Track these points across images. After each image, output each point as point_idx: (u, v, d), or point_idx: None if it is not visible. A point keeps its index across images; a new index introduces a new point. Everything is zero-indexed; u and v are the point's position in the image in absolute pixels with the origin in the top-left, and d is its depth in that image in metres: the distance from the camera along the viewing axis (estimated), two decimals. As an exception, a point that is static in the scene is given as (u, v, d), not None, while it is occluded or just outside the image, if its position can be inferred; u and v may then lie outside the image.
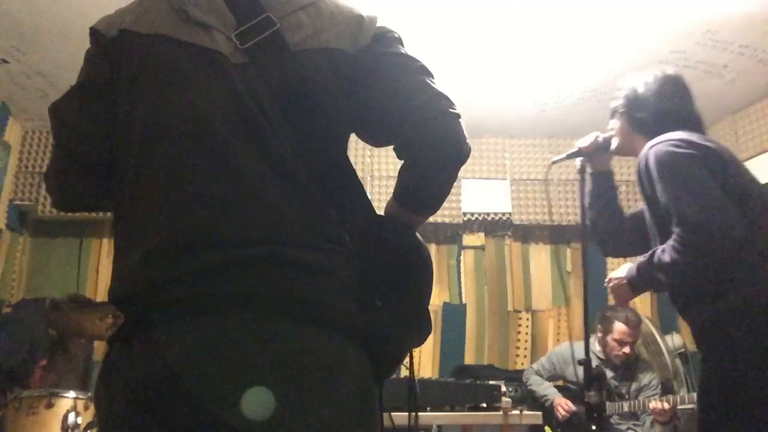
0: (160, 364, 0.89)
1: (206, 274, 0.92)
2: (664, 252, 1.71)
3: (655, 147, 1.78)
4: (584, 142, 2.16)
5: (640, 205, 2.16)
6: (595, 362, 3.59)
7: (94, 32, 1.10)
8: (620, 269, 1.92)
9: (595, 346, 3.62)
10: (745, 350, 1.62)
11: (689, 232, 1.64)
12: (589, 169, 2.20)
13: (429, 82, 1.08)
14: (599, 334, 3.61)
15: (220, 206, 0.95)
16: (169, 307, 0.92)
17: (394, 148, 1.10)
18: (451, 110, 1.05)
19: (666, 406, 3.13)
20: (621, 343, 3.50)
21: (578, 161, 2.20)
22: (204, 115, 0.99)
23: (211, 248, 0.93)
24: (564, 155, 2.25)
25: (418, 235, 1.14)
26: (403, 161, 1.10)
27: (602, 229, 2.16)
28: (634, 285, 1.85)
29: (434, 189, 1.10)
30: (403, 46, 1.13)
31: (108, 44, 1.08)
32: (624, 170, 4.41)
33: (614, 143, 2.10)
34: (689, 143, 1.76)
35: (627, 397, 3.48)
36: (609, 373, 3.54)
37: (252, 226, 0.94)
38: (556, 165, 2.52)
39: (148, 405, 0.90)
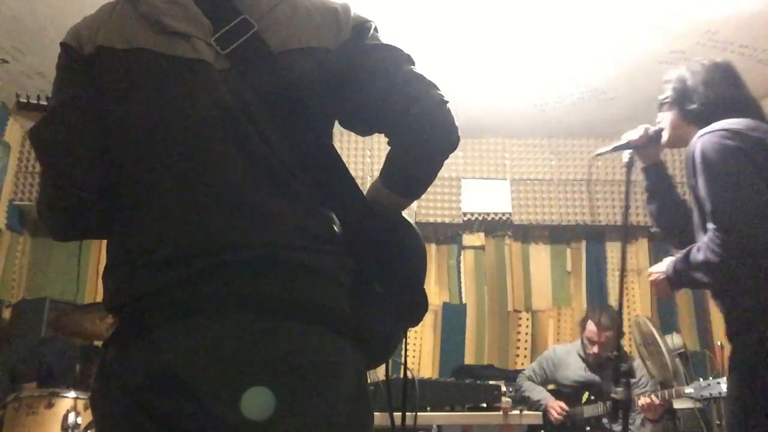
0: (158, 365, 0.90)
1: (201, 277, 0.92)
2: (699, 251, 1.68)
3: (703, 137, 1.75)
4: (633, 134, 2.10)
5: None
6: (580, 363, 3.63)
7: (67, 47, 1.07)
8: (662, 263, 1.88)
9: (580, 348, 3.66)
10: None
11: (723, 231, 1.61)
12: (639, 164, 2.14)
13: (418, 72, 1.10)
14: (583, 335, 3.67)
15: (212, 215, 0.95)
16: (165, 310, 0.92)
17: (387, 135, 1.11)
18: (443, 99, 1.08)
19: (655, 400, 3.14)
20: (590, 341, 3.57)
21: (626, 154, 2.14)
22: (193, 126, 0.99)
23: (205, 255, 0.93)
24: (609, 148, 2.17)
25: (406, 216, 1.16)
26: (393, 147, 1.11)
27: (666, 222, 2.11)
28: (673, 281, 1.82)
29: (426, 173, 1.12)
30: (379, 34, 1.13)
31: (86, 62, 1.05)
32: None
33: (665, 136, 2.04)
34: (737, 134, 1.71)
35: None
36: (594, 375, 3.57)
37: (245, 233, 0.95)
38: (597, 162, 2.43)
39: (147, 407, 0.90)
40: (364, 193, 1.11)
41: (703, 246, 1.68)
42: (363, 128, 1.16)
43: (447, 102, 1.09)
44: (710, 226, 1.66)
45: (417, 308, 1.12)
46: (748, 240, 1.60)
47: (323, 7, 1.10)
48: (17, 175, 4.46)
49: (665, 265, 1.86)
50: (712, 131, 1.75)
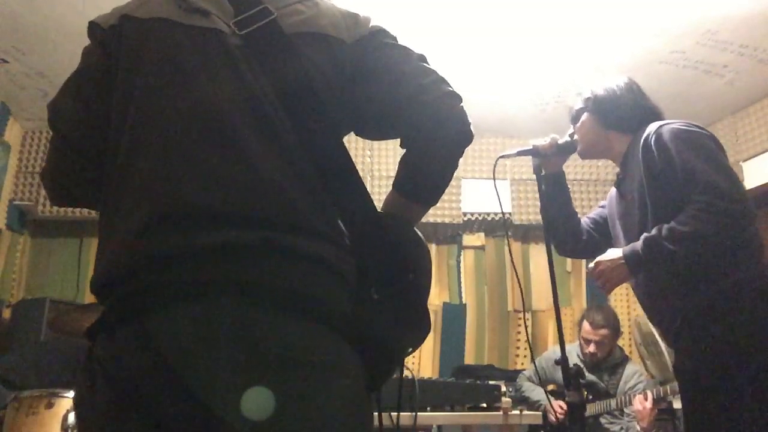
0: (150, 355, 0.85)
1: (198, 257, 0.88)
2: (680, 223, 1.68)
3: (667, 126, 1.80)
4: (542, 141, 2.14)
5: (594, 210, 2.22)
6: (579, 364, 3.62)
7: (93, 25, 1.11)
8: (608, 252, 1.87)
9: (579, 348, 3.67)
10: (748, 331, 1.61)
11: (717, 197, 1.64)
12: (542, 171, 2.18)
13: (430, 67, 1.11)
14: (579, 335, 3.68)
15: (217, 177, 0.93)
16: (157, 292, 0.87)
17: (398, 133, 1.11)
18: (455, 92, 1.09)
19: (646, 404, 3.16)
20: (586, 341, 3.58)
21: (534, 161, 2.17)
22: (205, 92, 0.98)
23: (205, 225, 0.89)
24: (514, 151, 2.18)
25: (417, 231, 1.14)
26: (406, 148, 1.11)
27: (558, 230, 2.19)
28: (635, 262, 1.77)
29: (437, 172, 1.12)
30: (397, 42, 1.16)
31: (107, 34, 1.08)
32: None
33: (579, 146, 2.09)
34: (696, 125, 1.80)
35: (614, 395, 3.51)
36: (593, 375, 3.57)
37: (251, 204, 0.92)
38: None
39: (136, 401, 0.86)
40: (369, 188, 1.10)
41: (688, 217, 1.67)
42: (374, 127, 1.16)
43: (457, 95, 1.09)
44: (701, 197, 1.66)
45: (416, 326, 1.08)
46: (738, 208, 1.64)
47: (345, 11, 1.15)
48: (17, 175, 4.46)
49: (618, 251, 1.83)
50: (672, 122, 1.83)
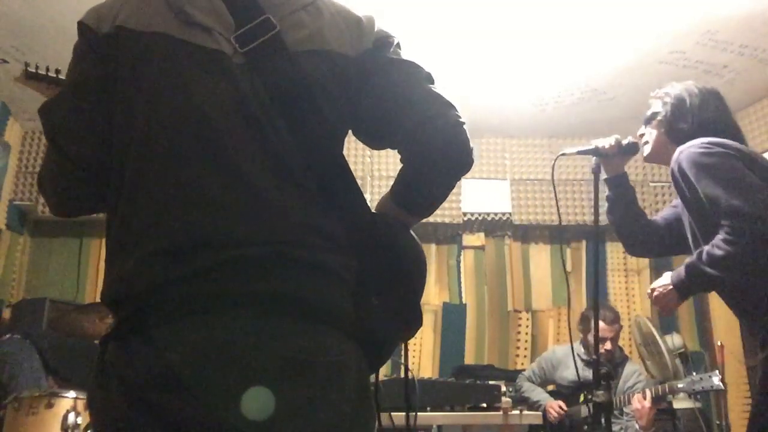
0: (161, 364, 0.88)
1: (207, 274, 0.91)
2: (714, 247, 1.70)
3: (685, 152, 1.80)
4: (604, 142, 2.10)
5: (666, 209, 2.18)
6: (579, 364, 3.62)
7: (84, 27, 1.06)
8: (662, 278, 1.90)
9: (579, 348, 3.65)
10: None
11: (741, 221, 1.65)
12: (603, 174, 2.15)
13: (437, 91, 1.10)
14: (581, 336, 3.67)
15: (222, 207, 0.94)
16: (169, 307, 0.91)
17: (399, 152, 1.11)
18: (460, 120, 1.08)
19: (645, 403, 3.15)
20: (601, 340, 3.54)
21: (594, 160, 2.14)
22: (207, 114, 0.98)
23: (213, 249, 0.92)
24: (575, 150, 2.16)
25: (412, 232, 1.15)
26: (405, 164, 1.11)
27: (628, 231, 2.15)
28: (683, 288, 1.82)
29: (435, 194, 1.12)
30: (401, 50, 1.14)
31: (101, 41, 1.04)
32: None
33: (647, 150, 2.06)
34: (717, 143, 1.78)
35: (614, 395, 3.52)
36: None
37: (254, 226, 0.94)
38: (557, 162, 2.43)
39: (148, 406, 0.88)
40: (369, 195, 1.11)
41: (719, 242, 1.69)
42: (375, 141, 1.16)
43: (463, 123, 1.08)
44: (724, 221, 1.68)
45: (411, 324, 1.10)
46: (762, 226, 1.64)
47: (347, 15, 1.12)
48: (17, 175, 4.46)
49: (668, 277, 1.86)
50: (691, 145, 1.81)
